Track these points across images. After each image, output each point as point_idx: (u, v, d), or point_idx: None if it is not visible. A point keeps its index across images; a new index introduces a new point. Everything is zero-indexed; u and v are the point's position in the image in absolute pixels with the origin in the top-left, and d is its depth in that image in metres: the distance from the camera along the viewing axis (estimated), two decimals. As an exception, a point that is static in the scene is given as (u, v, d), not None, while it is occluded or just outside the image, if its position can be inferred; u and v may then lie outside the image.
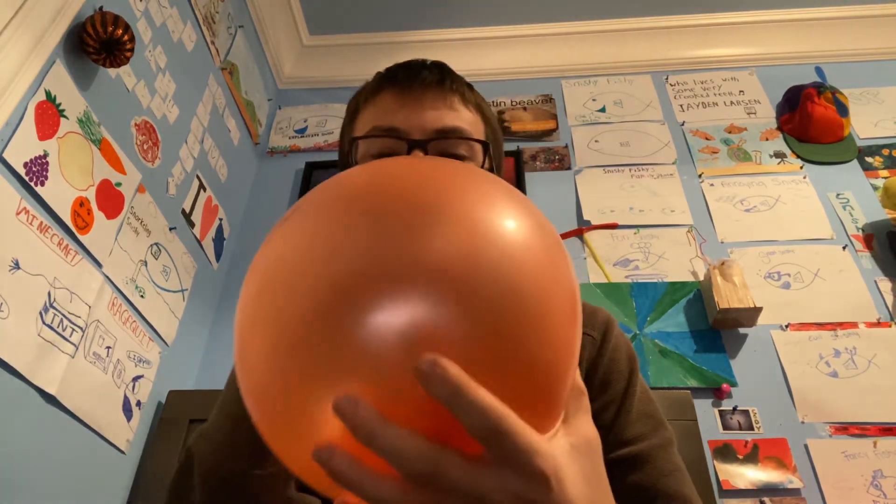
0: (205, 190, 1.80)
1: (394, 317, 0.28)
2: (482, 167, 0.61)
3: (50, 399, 1.14)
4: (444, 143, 0.59)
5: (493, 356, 0.29)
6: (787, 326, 1.67)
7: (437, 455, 0.28)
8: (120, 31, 1.25)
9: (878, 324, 1.66)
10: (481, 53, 2.42)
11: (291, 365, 0.29)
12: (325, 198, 0.34)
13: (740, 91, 2.27)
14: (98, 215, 1.30)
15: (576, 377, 0.36)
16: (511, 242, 0.31)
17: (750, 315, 1.62)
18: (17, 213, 1.08)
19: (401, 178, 0.34)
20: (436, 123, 0.59)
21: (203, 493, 0.52)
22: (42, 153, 1.15)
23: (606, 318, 0.69)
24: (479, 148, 0.61)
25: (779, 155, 2.07)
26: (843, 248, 1.81)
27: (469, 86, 0.65)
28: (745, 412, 1.54)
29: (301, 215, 0.34)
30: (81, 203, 1.25)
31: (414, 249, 0.29)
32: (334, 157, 2.22)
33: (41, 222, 1.13)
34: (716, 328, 1.68)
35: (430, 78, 0.61)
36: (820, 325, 1.67)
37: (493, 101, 2.33)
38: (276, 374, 0.30)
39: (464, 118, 0.61)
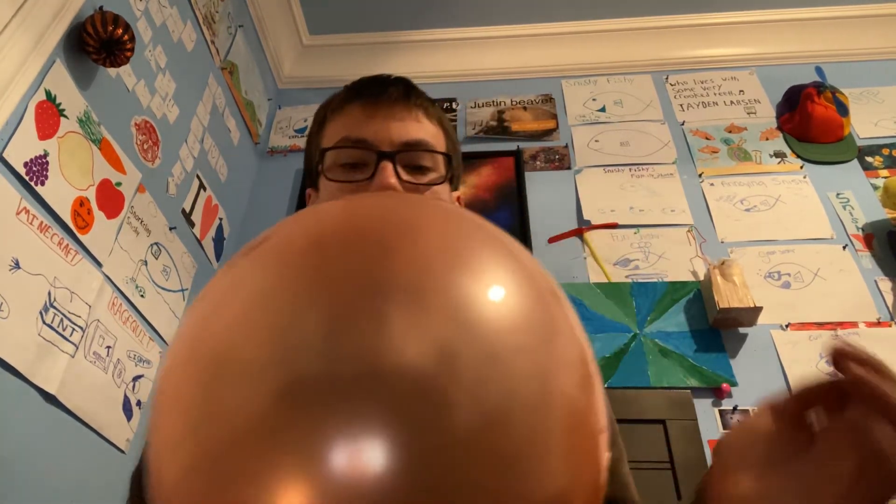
0: (205, 189, 1.80)
1: (348, 443, 0.23)
2: (444, 176, 0.63)
3: (50, 399, 1.14)
4: (410, 154, 0.61)
5: (479, 497, 0.23)
6: (787, 326, 1.67)
7: None
8: (120, 31, 1.25)
9: (879, 323, 1.66)
10: (481, 53, 2.42)
11: (226, 475, 0.24)
12: (287, 251, 0.29)
13: (740, 91, 2.27)
14: (98, 215, 1.30)
15: None
16: (500, 331, 0.26)
17: (750, 315, 1.62)
18: (18, 213, 1.08)
19: (370, 232, 0.28)
20: (403, 136, 0.61)
21: None
22: (42, 153, 1.15)
23: None
24: (441, 159, 0.64)
25: (779, 154, 2.07)
26: (844, 247, 1.81)
27: (431, 101, 0.68)
28: (746, 412, 1.54)
29: (256, 269, 0.28)
30: (81, 203, 1.25)
31: (376, 350, 0.24)
32: (334, 156, 2.23)
33: (41, 222, 1.13)
34: (716, 328, 1.68)
35: (396, 93, 0.63)
36: (820, 325, 1.67)
37: (493, 101, 2.33)
38: (202, 490, 0.24)
39: (427, 131, 0.64)
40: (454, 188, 0.67)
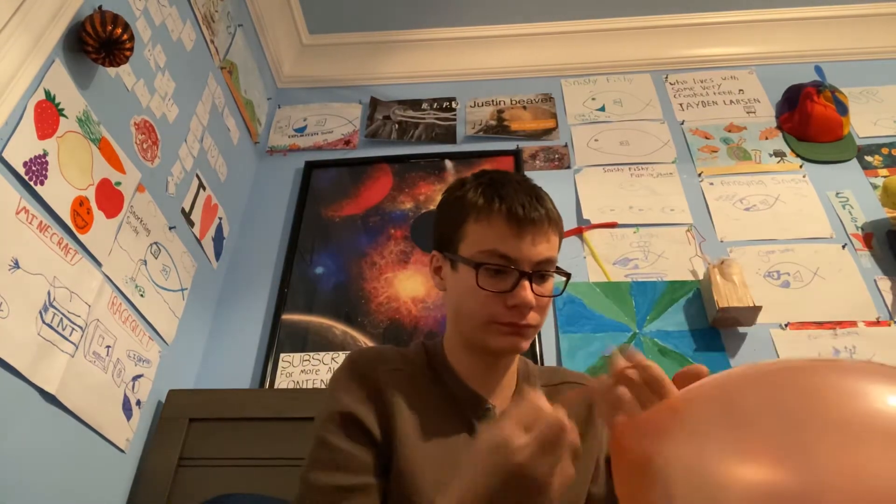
0: (204, 189, 1.80)
1: None
2: (560, 286, 0.83)
3: (50, 398, 1.14)
4: (541, 270, 0.78)
5: None
6: (786, 325, 1.67)
7: None
8: (119, 31, 1.25)
9: (878, 323, 1.66)
10: (481, 52, 2.42)
11: None
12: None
13: (740, 90, 2.27)
14: (98, 214, 1.30)
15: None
16: None
17: (749, 314, 1.62)
18: (17, 213, 1.08)
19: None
20: (540, 256, 0.78)
21: None
22: (41, 152, 1.15)
23: None
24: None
25: (778, 154, 2.07)
26: (843, 246, 1.81)
27: (557, 212, 0.83)
28: (745, 411, 1.54)
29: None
30: (81, 202, 1.25)
31: None
32: (333, 155, 2.24)
33: (41, 221, 1.13)
34: (715, 327, 1.68)
35: (539, 217, 0.78)
36: (819, 324, 1.67)
37: (492, 100, 2.33)
38: None
39: (554, 247, 0.81)
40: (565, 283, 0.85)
